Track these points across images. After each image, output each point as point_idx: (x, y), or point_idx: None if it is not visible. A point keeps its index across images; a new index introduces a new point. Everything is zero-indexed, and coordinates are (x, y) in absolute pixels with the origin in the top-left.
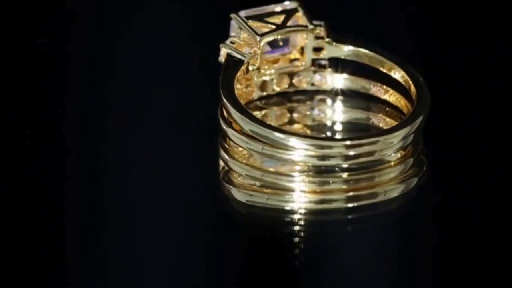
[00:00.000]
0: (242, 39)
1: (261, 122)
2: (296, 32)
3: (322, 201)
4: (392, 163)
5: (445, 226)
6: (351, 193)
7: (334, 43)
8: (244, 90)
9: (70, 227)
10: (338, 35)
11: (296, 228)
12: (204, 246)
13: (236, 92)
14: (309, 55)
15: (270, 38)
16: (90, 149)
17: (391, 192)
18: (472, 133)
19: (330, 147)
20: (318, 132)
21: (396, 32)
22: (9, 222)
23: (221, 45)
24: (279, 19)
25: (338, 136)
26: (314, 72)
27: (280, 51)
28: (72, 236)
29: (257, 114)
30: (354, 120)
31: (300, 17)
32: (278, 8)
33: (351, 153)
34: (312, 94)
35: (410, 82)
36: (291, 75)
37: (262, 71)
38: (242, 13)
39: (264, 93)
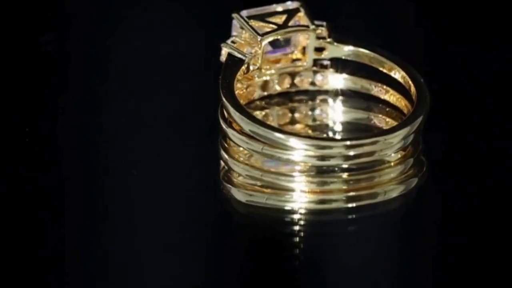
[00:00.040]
0: (243, 38)
1: (261, 122)
2: (298, 32)
3: (322, 201)
4: (392, 164)
5: (445, 226)
6: (351, 193)
7: (335, 43)
8: (245, 89)
9: (70, 227)
10: (339, 36)
11: (296, 228)
12: (204, 246)
13: (237, 91)
14: (311, 55)
15: (271, 38)
16: (90, 149)
17: (391, 193)
18: (472, 133)
19: (330, 147)
20: (319, 132)
21: (396, 32)
22: (9, 222)
23: (222, 45)
24: (280, 19)
25: (338, 136)
26: (316, 72)
27: (282, 51)
28: (72, 236)
29: (258, 114)
30: (354, 120)
31: (302, 17)
32: (280, 8)
33: (351, 153)
34: (313, 94)
35: (410, 82)
36: (292, 75)
37: (263, 71)
38: (244, 13)
39: (265, 93)
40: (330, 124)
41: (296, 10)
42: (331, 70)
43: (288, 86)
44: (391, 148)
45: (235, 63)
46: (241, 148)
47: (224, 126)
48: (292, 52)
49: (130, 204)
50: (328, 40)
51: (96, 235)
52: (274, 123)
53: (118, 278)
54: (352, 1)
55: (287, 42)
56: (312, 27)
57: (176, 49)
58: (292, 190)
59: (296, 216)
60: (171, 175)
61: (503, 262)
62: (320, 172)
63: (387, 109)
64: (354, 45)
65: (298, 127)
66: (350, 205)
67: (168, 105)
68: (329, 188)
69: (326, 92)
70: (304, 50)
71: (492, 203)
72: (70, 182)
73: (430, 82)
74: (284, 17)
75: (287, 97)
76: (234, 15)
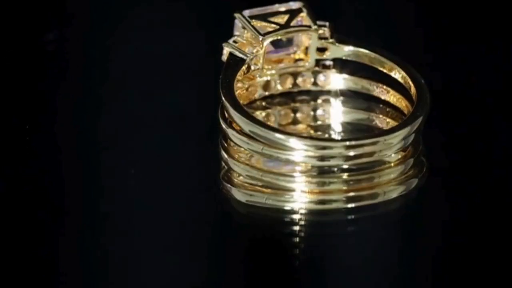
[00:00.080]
0: (245, 38)
1: (260, 123)
2: (299, 32)
3: (322, 202)
4: (392, 164)
5: (445, 226)
6: (351, 194)
7: (337, 44)
8: (247, 89)
9: (70, 227)
10: (342, 36)
11: (296, 228)
12: (204, 246)
13: (238, 91)
14: (313, 56)
15: (272, 38)
16: (90, 149)
17: (391, 193)
18: (472, 133)
19: (330, 148)
20: (320, 133)
21: (396, 32)
22: (9, 222)
23: (224, 44)
24: (283, 19)
25: (339, 137)
26: (318, 72)
27: (284, 51)
28: (72, 236)
29: (260, 114)
30: (356, 120)
31: (304, 17)
32: (282, 8)
33: (351, 153)
34: (315, 95)
35: (410, 82)
36: (294, 75)
37: (265, 71)
38: (246, 13)
39: (267, 93)
40: (332, 124)
41: (299, 10)
42: (333, 70)
43: (290, 86)
44: (391, 149)
45: (236, 62)
46: (241, 148)
47: (224, 126)
48: (294, 52)
49: (130, 204)
50: (330, 40)
51: (96, 235)
52: (275, 123)
53: (118, 278)
54: (353, 1)
55: (290, 42)
56: (314, 27)
57: (176, 49)
58: (292, 190)
59: (296, 216)
60: (171, 175)
61: (503, 262)
62: (320, 173)
63: (388, 110)
64: (355, 45)
65: (299, 127)
66: (350, 205)
67: (168, 105)
68: (329, 188)
69: (328, 92)
70: (306, 50)
71: (492, 203)
72: (70, 182)
73: (430, 82)
74: (286, 17)
75: (289, 97)
76: (236, 14)
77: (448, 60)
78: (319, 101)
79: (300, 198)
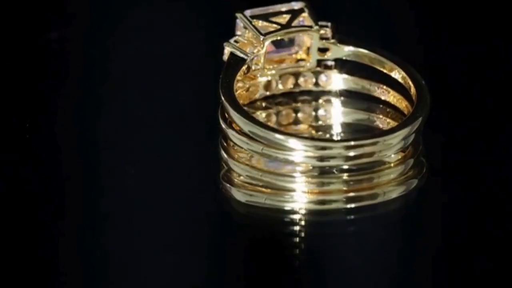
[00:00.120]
0: (246, 38)
1: (259, 123)
2: (301, 32)
3: (321, 202)
4: (392, 164)
5: (445, 227)
6: (351, 194)
7: (338, 44)
8: (248, 89)
9: (70, 227)
10: (343, 36)
11: (296, 228)
12: (204, 246)
13: (239, 91)
14: (314, 56)
15: (273, 38)
16: (90, 149)
17: (391, 193)
18: (472, 134)
19: (329, 148)
20: (321, 133)
21: (396, 32)
22: (9, 222)
23: (225, 44)
24: (284, 19)
25: (339, 137)
26: (319, 72)
27: (286, 51)
28: (72, 236)
29: (261, 113)
30: (357, 121)
31: (306, 18)
32: (284, 8)
33: (351, 154)
34: (316, 95)
35: (410, 83)
36: (296, 75)
37: (266, 71)
38: (248, 12)
39: (268, 93)
40: (333, 124)
41: (301, 11)
42: (334, 70)
43: (292, 86)
44: (391, 149)
45: (237, 62)
46: (241, 149)
47: (224, 126)
48: (296, 52)
49: (130, 204)
50: (332, 41)
51: (96, 235)
52: (276, 123)
53: (118, 278)
54: (353, 1)
55: (291, 42)
56: (315, 27)
57: (176, 49)
58: (292, 191)
59: (296, 217)
60: (171, 175)
61: (503, 262)
62: (320, 173)
63: (389, 110)
64: (355, 45)
65: (300, 127)
66: (350, 205)
67: (168, 105)
68: (329, 188)
69: (329, 92)
70: (308, 50)
71: (492, 203)
72: (70, 182)
73: (430, 82)
74: (288, 17)
75: (290, 97)
76: (238, 14)
77: (448, 60)
78: (321, 101)
79: (300, 198)
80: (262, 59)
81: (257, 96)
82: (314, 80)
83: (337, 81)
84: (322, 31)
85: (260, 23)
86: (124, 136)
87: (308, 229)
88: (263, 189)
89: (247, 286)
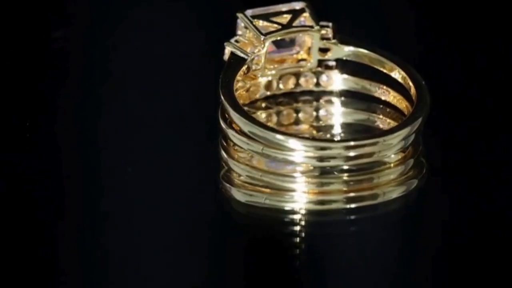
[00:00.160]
0: (247, 38)
1: (259, 123)
2: (301, 32)
3: (321, 202)
4: (392, 165)
5: (445, 227)
6: (351, 194)
7: (339, 44)
8: (249, 89)
9: (70, 227)
10: (344, 36)
11: (296, 228)
12: (204, 246)
13: (240, 91)
14: (315, 56)
15: (274, 38)
16: (90, 149)
17: (390, 194)
18: (472, 134)
19: (329, 149)
20: (323, 133)
21: (396, 32)
22: (9, 222)
23: (225, 43)
24: (285, 19)
25: (340, 138)
26: (320, 72)
27: (287, 51)
28: (72, 236)
29: (262, 113)
30: (358, 121)
31: (307, 18)
32: (285, 8)
33: (351, 154)
34: (317, 95)
35: (410, 83)
36: (297, 75)
37: (266, 71)
38: (249, 12)
39: (269, 93)
40: (334, 125)
41: (302, 11)
42: (336, 71)
43: (293, 86)
44: (390, 149)
45: (237, 62)
46: (241, 149)
47: (224, 126)
48: (297, 53)
49: (130, 204)
50: (333, 41)
51: (96, 235)
52: (277, 123)
53: (118, 278)
54: (353, 1)
55: (292, 42)
56: (316, 27)
57: (176, 49)
58: (292, 191)
59: (295, 217)
60: (171, 175)
61: (503, 263)
62: (320, 173)
63: (390, 111)
64: (355, 45)
65: (301, 127)
66: (349, 206)
67: (168, 105)
68: (329, 189)
69: (330, 93)
70: (309, 50)
71: (492, 204)
72: (70, 182)
73: (430, 82)
74: (289, 17)
75: (291, 98)
76: (239, 14)
77: (448, 60)
78: (322, 101)
79: (300, 199)
80: (263, 59)
81: (257, 96)
82: (315, 80)
83: (338, 81)
84: (323, 31)
85: (261, 23)
86: (124, 136)
87: (308, 229)
88: (263, 189)
89: (247, 286)
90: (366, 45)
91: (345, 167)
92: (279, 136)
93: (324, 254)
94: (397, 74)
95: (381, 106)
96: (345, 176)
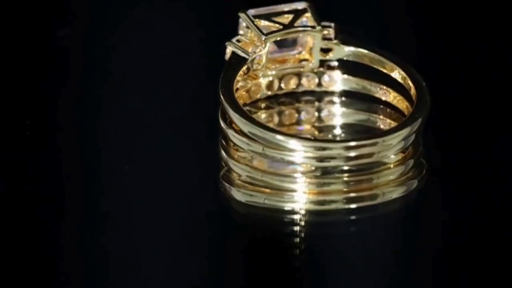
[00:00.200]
0: (249, 38)
1: (259, 124)
2: (303, 32)
3: (321, 202)
4: (392, 165)
5: (445, 228)
6: (350, 195)
7: (340, 45)
8: (251, 89)
9: (70, 227)
10: (346, 37)
11: (296, 228)
12: (203, 246)
13: (241, 91)
14: (317, 56)
15: (275, 38)
16: (90, 148)
17: (390, 194)
18: (472, 134)
19: (329, 149)
20: (324, 133)
21: (396, 33)
22: (9, 222)
23: (227, 43)
24: (287, 19)
25: (340, 138)
26: (322, 73)
27: (289, 51)
28: (72, 236)
29: (264, 113)
30: (359, 122)
31: (309, 18)
32: (287, 8)
33: (351, 154)
34: (319, 95)
35: (410, 83)
36: (299, 75)
37: (268, 70)
38: (251, 12)
39: (270, 93)
40: (335, 125)
41: (304, 11)
42: (338, 71)
43: (295, 86)
44: (390, 150)
45: (238, 62)
46: (241, 149)
47: (224, 126)
48: (300, 53)
49: (130, 204)
50: (334, 41)
51: (96, 235)
52: (278, 124)
53: (118, 278)
54: (353, 2)
55: (295, 42)
56: (318, 28)
57: (176, 49)
58: (292, 191)
59: (295, 217)
60: (171, 175)
61: (503, 262)
62: (320, 173)
63: (392, 111)
64: (355, 45)
65: (303, 128)
66: (349, 206)
67: (168, 105)
68: (329, 189)
69: (332, 93)
70: (311, 50)
71: (492, 204)
72: (70, 182)
73: (430, 82)
74: (290, 17)
75: (293, 98)
76: (241, 14)
77: (448, 60)
78: (323, 101)
79: (299, 199)
80: (264, 59)
81: (259, 96)
82: (317, 80)
83: (340, 81)
84: (325, 32)
85: (262, 23)
86: (124, 136)
87: (308, 229)
88: (263, 189)
89: (247, 286)
90: (366, 45)
91: (345, 168)
92: (279, 137)
93: (324, 254)
94: (397, 74)
95: (382, 106)
96: (345, 177)
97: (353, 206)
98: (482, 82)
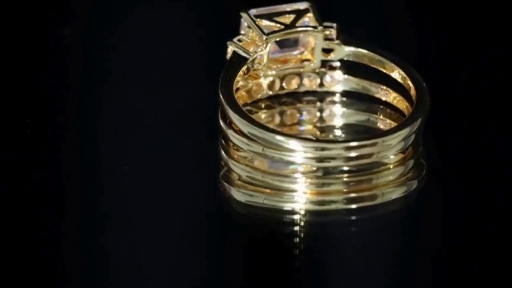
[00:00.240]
0: (250, 37)
1: (258, 124)
2: (304, 33)
3: (321, 202)
4: (391, 166)
5: (445, 228)
6: (350, 195)
7: (342, 45)
8: (252, 89)
9: (70, 227)
10: (348, 37)
11: (296, 228)
12: (203, 246)
13: (242, 90)
14: (319, 56)
15: (276, 37)
16: (90, 149)
17: (390, 194)
18: (472, 134)
19: (329, 149)
20: (325, 134)
21: (396, 33)
22: (9, 222)
23: (228, 43)
24: (288, 19)
25: (340, 138)
26: (324, 73)
27: (291, 51)
28: (72, 236)
29: (265, 113)
30: (360, 122)
31: (311, 18)
32: (289, 8)
33: (351, 154)
34: (321, 95)
35: (410, 83)
36: (300, 75)
37: (269, 70)
38: (253, 12)
39: (271, 93)
40: (336, 125)
41: (306, 11)
42: (339, 71)
43: (296, 86)
44: (390, 150)
45: (239, 61)
46: (241, 149)
47: (224, 126)
48: (301, 53)
49: (130, 204)
50: (336, 42)
51: (96, 235)
52: (280, 124)
53: (118, 278)
54: (353, 2)
55: (296, 42)
56: (319, 28)
57: (176, 49)
58: (292, 191)
59: (295, 217)
60: (171, 175)
61: (503, 262)
62: (320, 174)
63: (392, 111)
64: (355, 45)
65: (304, 128)
66: (349, 206)
67: (168, 105)
68: (328, 189)
69: (334, 93)
70: (313, 51)
71: (492, 204)
72: (70, 182)
73: (430, 82)
74: (292, 17)
75: (294, 98)
76: (242, 13)
77: (448, 60)
78: (325, 102)
79: (299, 199)
80: (265, 59)
81: (260, 96)
82: (318, 80)
83: (342, 82)
84: (326, 32)
85: (264, 23)
86: (124, 136)
87: (308, 229)
88: (263, 189)
89: (247, 286)
90: (366, 45)
91: (345, 168)
92: (278, 137)
93: (324, 254)
94: (397, 75)
95: (382, 106)
96: (345, 177)
97: (353, 206)
98: (482, 82)
